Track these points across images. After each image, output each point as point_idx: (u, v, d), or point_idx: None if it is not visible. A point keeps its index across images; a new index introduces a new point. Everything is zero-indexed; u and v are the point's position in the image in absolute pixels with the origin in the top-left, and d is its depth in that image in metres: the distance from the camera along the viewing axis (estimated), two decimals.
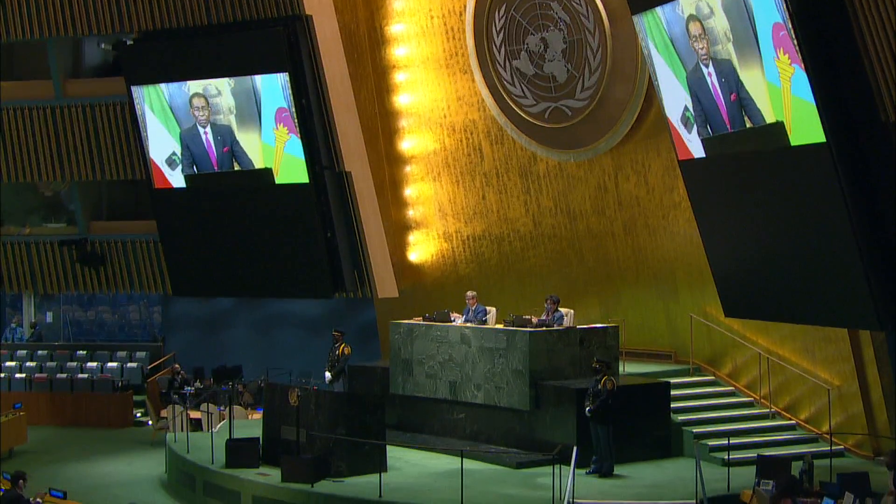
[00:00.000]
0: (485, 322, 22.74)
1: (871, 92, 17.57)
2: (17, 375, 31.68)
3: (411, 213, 29.02)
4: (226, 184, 27.26)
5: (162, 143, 27.93)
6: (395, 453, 21.48)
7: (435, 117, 28.02)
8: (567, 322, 22.14)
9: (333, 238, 26.33)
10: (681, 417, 22.19)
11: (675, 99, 21.12)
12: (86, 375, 31.57)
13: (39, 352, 33.82)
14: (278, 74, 26.00)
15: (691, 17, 19.91)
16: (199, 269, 28.44)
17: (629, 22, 22.36)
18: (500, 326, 22.30)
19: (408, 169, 28.76)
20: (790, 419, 22.71)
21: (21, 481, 17.17)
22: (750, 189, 19.64)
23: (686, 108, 20.81)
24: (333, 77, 26.61)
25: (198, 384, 30.35)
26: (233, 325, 34.86)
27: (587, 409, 19.93)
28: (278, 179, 26.49)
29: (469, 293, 23.37)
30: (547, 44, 25.21)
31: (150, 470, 24.65)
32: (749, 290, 20.20)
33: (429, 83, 28.00)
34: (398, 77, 28.40)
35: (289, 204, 26.49)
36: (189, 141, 27.53)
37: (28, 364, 32.90)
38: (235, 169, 27.08)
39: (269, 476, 20.34)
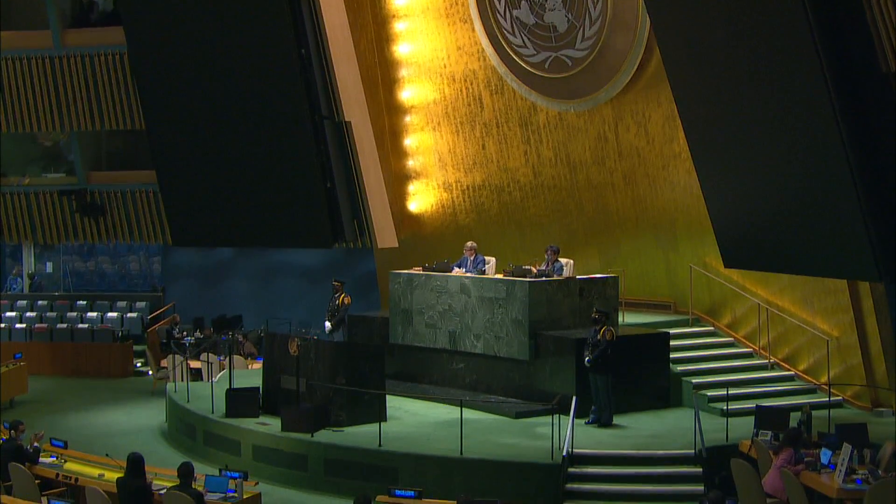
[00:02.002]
0: (484, 272, 22.73)
1: (871, 42, 17.48)
2: (18, 326, 31.75)
3: (411, 163, 28.99)
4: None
5: None
6: (394, 403, 21.53)
7: (435, 67, 27.93)
8: (567, 272, 22.13)
9: (333, 188, 26.23)
10: (680, 368, 22.24)
11: None
12: (86, 325, 31.64)
13: (39, 302, 33.86)
14: None
15: None
16: (199, 219, 28.35)
17: None
18: (500, 276, 22.29)
19: (407, 119, 28.70)
20: (789, 370, 22.76)
21: (18, 428, 17.23)
22: (750, 139, 19.57)
23: None
24: (333, 26, 26.42)
25: (197, 334, 30.40)
26: (233, 275, 34.89)
27: (586, 359, 19.96)
28: None
29: (468, 244, 23.34)
30: None
31: (150, 420, 24.71)
32: (749, 241, 20.17)
33: (429, 32, 27.89)
34: (398, 26, 28.30)
35: (288, 154, 26.41)
36: None
37: (28, 314, 32.95)
38: None
39: (269, 426, 20.39)
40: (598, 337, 19.87)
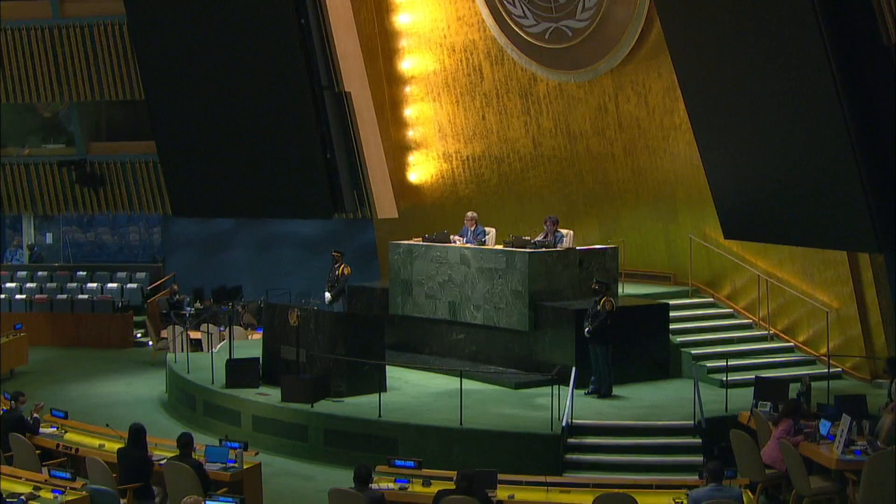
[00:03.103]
0: (484, 243, 22.73)
1: (873, 14, 17.43)
2: (18, 297, 31.76)
3: (411, 133, 28.96)
4: None
5: None
6: (394, 373, 21.56)
7: (435, 37, 27.87)
8: (566, 243, 22.12)
9: (333, 158, 26.20)
10: (679, 339, 22.26)
11: None
12: (86, 296, 31.66)
13: (39, 273, 33.88)
14: None
15: None
16: (199, 190, 28.31)
17: None
18: (500, 247, 22.29)
19: (407, 89, 28.66)
20: (788, 341, 22.78)
21: (19, 399, 17.26)
22: (751, 111, 19.54)
23: None
24: None
25: (197, 304, 30.44)
26: (233, 245, 34.90)
27: (586, 329, 19.97)
28: None
29: (469, 214, 23.32)
30: None
31: (150, 390, 24.75)
32: (749, 213, 20.15)
33: (429, 3, 27.83)
34: None
35: (288, 124, 26.37)
36: None
37: (28, 285, 32.97)
38: None
39: (269, 396, 20.43)
40: (598, 307, 19.87)
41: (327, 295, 24.07)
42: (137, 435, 15.15)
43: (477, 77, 27.31)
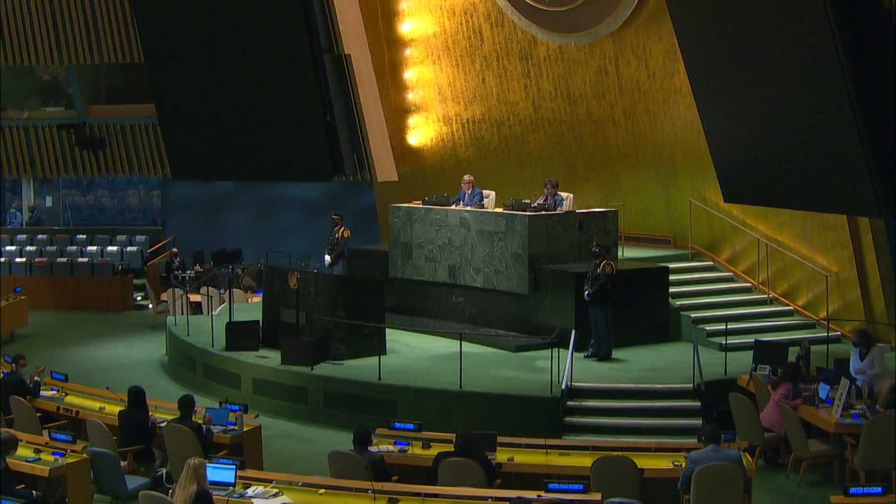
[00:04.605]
0: (482, 206, 22.71)
1: None
2: (18, 260, 31.77)
3: (411, 96, 28.89)
4: None
5: None
6: (394, 336, 21.60)
7: (434, 0, 27.77)
8: (566, 206, 22.11)
9: (332, 121, 26.15)
10: (679, 302, 22.28)
11: None
12: (86, 259, 31.66)
13: (39, 236, 33.87)
14: None
15: None
16: (199, 153, 28.25)
17: None
18: (500, 210, 22.28)
19: (407, 52, 28.57)
20: (788, 305, 22.81)
21: (20, 362, 17.29)
22: (751, 73, 19.50)
23: None
24: None
25: (197, 268, 30.45)
26: (232, 208, 34.89)
27: (586, 292, 19.98)
28: None
29: (465, 177, 23.28)
30: None
31: (150, 353, 24.79)
32: (749, 176, 20.12)
33: None
34: None
35: (288, 87, 26.32)
36: None
37: (28, 248, 32.97)
38: None
39: (269, 359, 20.47)
40: (598, 271, 19.88)
41: (327, 258, 24.08)
42: (137, 397, 15.19)
43: (477, 40, 27.23)
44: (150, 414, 15.37)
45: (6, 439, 13.31)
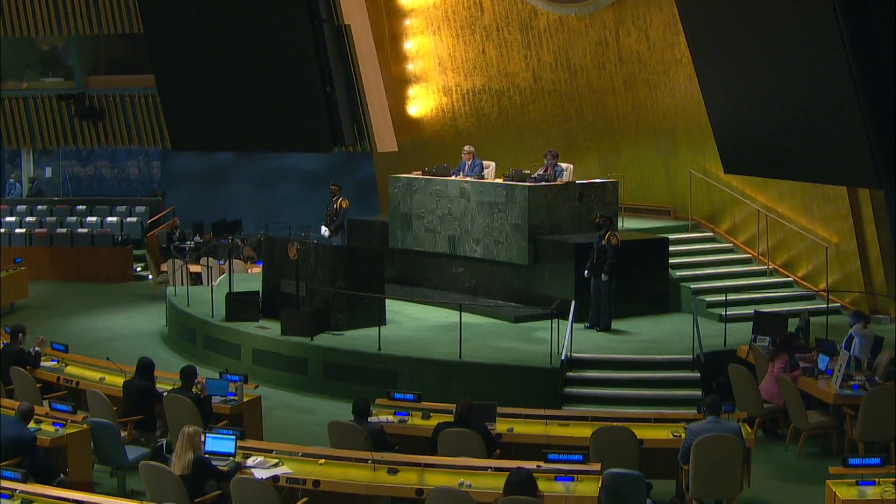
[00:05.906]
0: (483, 177, 22.69)
1: None
2: (17, 230, 31.75)
3: (411, 66, 28.83)
4: None
5: None
6: (393, 307, 21.62)
7: None
8: (566, 177, 22.09)
9: (332, 92, 26.10)
10: (679, 273, 22.29)
11: None
12: (86, 230, 31.64)
13: (39, 207, 33.86)
14: None
15: None
16: (199, 123, 28.20)
17: None
18: (500, 181, 22.26)
19: (407, 22, 28.50)
20: (788, 276, 22.81)
21: (20, 335, 17.30)
22: (752, 44, 19.46)
23: None
24: None
25: (197, 238, 30.44)
26: (232, 179, 34.88)
27: (586, 271, 19.96)
28: None
29: (465, 147, 23.24)
30: None
31: (150, 324, 24.81)
32: (749, 147, 20.10)
33: None
34: None
35: (287, 58, 26.28)
36: None
37: (28, 219, 32.95)
38: None
39: (269, 329, 20.49)
40: (604, 243, 19.84)
41: (324, 229, 24.07)
42: (146, 369, 15.24)
43: (477, 10, 27.16)
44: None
45: (26, 410, 13.44)
